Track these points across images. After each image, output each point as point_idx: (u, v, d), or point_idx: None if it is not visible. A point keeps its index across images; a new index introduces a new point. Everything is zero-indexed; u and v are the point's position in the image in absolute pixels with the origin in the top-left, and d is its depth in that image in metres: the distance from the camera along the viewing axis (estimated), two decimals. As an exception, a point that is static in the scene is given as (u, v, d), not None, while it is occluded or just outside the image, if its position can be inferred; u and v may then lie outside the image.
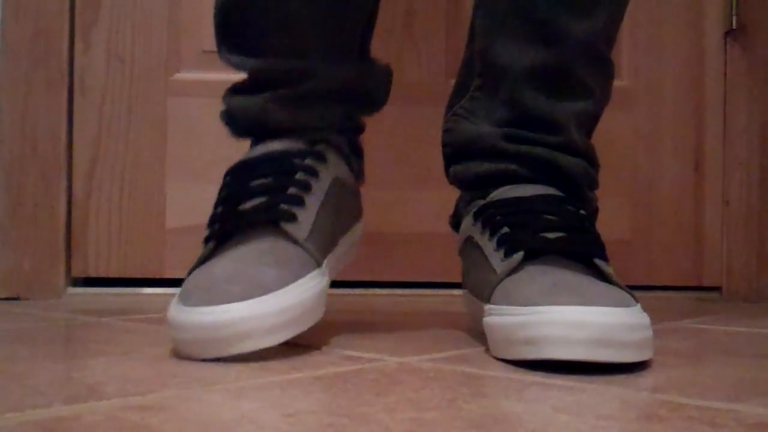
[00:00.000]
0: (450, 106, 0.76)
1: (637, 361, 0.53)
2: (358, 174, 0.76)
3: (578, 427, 0.39)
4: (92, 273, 1.08)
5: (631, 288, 0.59)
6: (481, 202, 0.70)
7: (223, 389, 0.47)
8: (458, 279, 0.76)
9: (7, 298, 1.03)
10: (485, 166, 0.71)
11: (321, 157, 0.68)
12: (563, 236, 0.62)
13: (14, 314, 0.88)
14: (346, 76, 0.72)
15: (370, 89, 0.75)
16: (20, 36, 1.05)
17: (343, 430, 0.38)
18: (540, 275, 0.59)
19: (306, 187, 0.65)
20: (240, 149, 0.75)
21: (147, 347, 0.63)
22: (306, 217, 0.64)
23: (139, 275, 1.09)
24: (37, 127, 1.05)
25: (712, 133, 1.12)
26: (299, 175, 0.65)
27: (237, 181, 0.66)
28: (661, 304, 1.02)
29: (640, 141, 1.12)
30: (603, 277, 0.60)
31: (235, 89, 0.73)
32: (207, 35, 1.10)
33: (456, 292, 0.78)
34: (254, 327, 0.55)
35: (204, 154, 1.09)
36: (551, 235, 0.62)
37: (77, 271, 1.08)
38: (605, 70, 0.71)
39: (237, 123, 0.72)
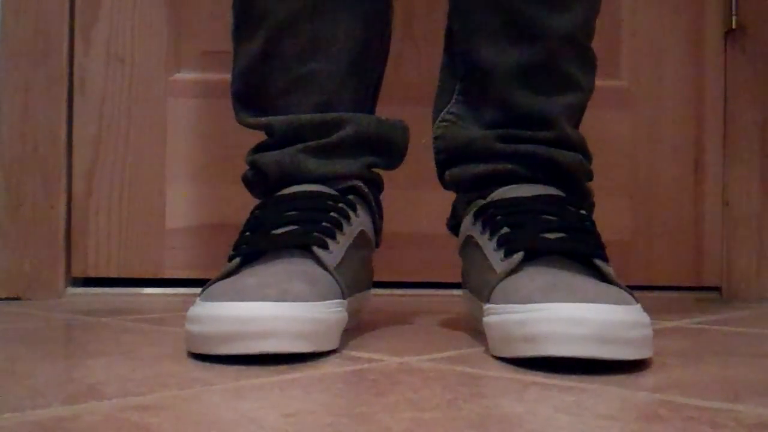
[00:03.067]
0: (436, 112, 0.77)
1: (636, 359, 0.53)
2: (378, 235, 0.77)
3: (578, 427, 0.39)
4: (92, 273, 1.08)
5: (631, 288, 0.59)
6: (481, 202, 0.70)
7: (223, 389, 0.47)
8: (458, 279, 0.76)
9: (7, 298, 1.03)
10: (482, 168, 0.71)
11: (352, 206, 0.70)
12: (563, 237, 0.62)
13: (14, 314, 0.88)
14: (369, 126, 0.73)
15: (392, 138, 0.76)
16: (20, 36, 1.05)
17: (343, 430, 0.38)
18: (539, 275, 0.58)
19: (338, 226, 0.66)
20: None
21: (147, 347, 0.63)
22: (336, 251, 0.65)
23: (139, 275, 1.09)
24: (37, 127, 1.05)
25: (712, 133, 1.12)
26: (332, 214, 0.67)
27: (269, 211, 0.67)
28: (661, 304, 1.02)
29: (640, 141, 1.12)
30: (603, 277, 0.60)
31: (260, 147, 0.74)
32: (207, 35, 1.10)
33: (456, 292, 0.78)
34: (282, 328, 0.54)
35: (204, 155, 1.09)
36: (551, 236, 0.62)
37: (77, 271, 1.08)
38: (588, 60, 0.72)
39: (264, 177, 0.72)
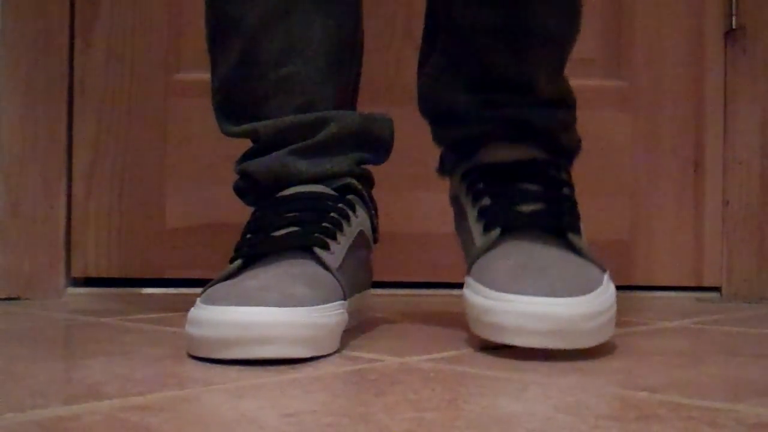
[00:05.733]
0: (421, 57, 0.77)
1: (593, 345, 0.57)
2: (375, 232, 0.76)
3: (578, 427, 0.39)
4: (92, 273, 1.08)
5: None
6: (467, 165, 0.72)
7: (223, 389, 0.47)
8: (458, 279, 0.75)
9: (7, 298, 1.03)
10: (464, 131, 0.74)
11: (351, 206, 0.70)
12: (539, 209, 0.66)
13: (14, 314, 0.88)
14: (354, 122, 0.73)
15: (377, 132, 0.76)
16: (20, 36, 1.05)
17: (343, 430, 0.38)
18: (513, 253, 0.62)
19: (338, 226, 0.66)
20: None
21: (147, 347, 0.63)
22: (338, 251, 0.65)
23: (139, 275, 1.09)
24: (37, 127, 1.05)
25: (712, 133, 1.12)
26: (332, 215, 0.67)
27: (269, 213, 0.67)
28: (661, 304, 1.02)
29: (640, 141, 1.12)
30: (575, 250, 0.63)
31: (248, 155, 0.74)
32: (207, 35, 1.10)
33: (456, 292, 0.78)
34: (283, 334, 0.54)
35: (204, 155, 1.09)
36: (528, 208, 0.66)
37: (77, 271, 1.08)
38: (568, 9, 0.72)
39: (256, 184, 0.72)
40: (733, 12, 1.10)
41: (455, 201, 0.76)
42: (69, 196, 1.08)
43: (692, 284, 1.12)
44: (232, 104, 0.74)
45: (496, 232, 0.64)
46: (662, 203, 1.12)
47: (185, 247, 1.09)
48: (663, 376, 0.53)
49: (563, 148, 0.74)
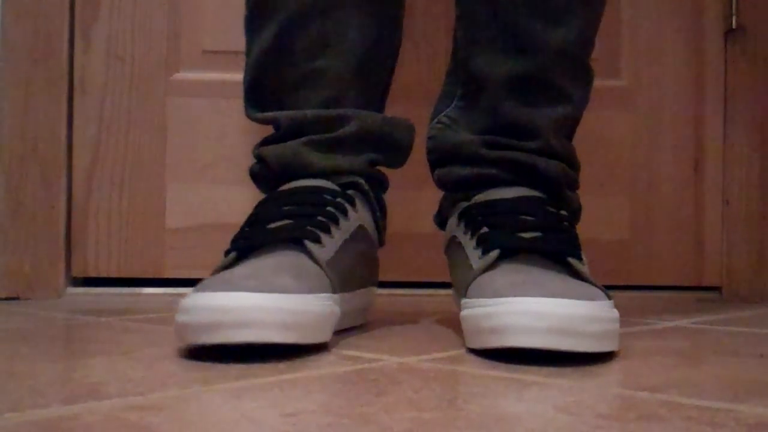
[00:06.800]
0: (435, 114, 0.78)
1: (596, 351, 0.55)
2: (381, 233, 0.77)
3: (578, 427, 0.39)
4: (92, 273, 1.08)
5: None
6: (465, 204, 0.72)
7: (223, 389, 0.47)
8: (458, 279, 0.76)
9: (7, 298, 1.03)
10: (467, 171, 0.73)
11: (351, 201, 0.70)
12: (539, 236, 0.64)
13: (14, 314, 0.88)
14: (374, 123, 0.74)
15: (397, 137, 0.77)
16: (20, 36, 1.05)
17: (343, 430, 0.38)
18: (512, 271, 0.61)
19: (334, 220, 0.67)
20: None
21: (147, 347, 0.63)
22: (330, 245, 0.65)
23: (139, 275, 1.09)
24: (37, 127, 1.05)
25: (712, 133, 1.12)
26: (329, 209, 0.67)
27: (267, 207, 0.68)
28: (661, 304, 1.02)
29: (640, 141, 1.12)
30: (576, 275, 0.62)
31: (267, 140, 0.74)
32: (207, 35, 1.10)
33: (456, 292, 0.78)
34: (261, 318, 0.54)
35: (204, 154, 1.09)
36: (527, 235, 0.64)
37: (77, 271, 1.08)
38: (583, 74, 0.74)
39: (268, 169, 0.73)
40: (733, 12, 1.10)
41: (449, 248, 0.75)
42: (69, 196, 1.08)
43: (692, 284, 1.12)
44: (261, 88, 0.75)
45: (495, 253, 0.63)
46: (662, 203, 1.12)
47: (185, 247, 1.09)
48: (663, 376, 0.53)
49: (566, 201, 0.73)
